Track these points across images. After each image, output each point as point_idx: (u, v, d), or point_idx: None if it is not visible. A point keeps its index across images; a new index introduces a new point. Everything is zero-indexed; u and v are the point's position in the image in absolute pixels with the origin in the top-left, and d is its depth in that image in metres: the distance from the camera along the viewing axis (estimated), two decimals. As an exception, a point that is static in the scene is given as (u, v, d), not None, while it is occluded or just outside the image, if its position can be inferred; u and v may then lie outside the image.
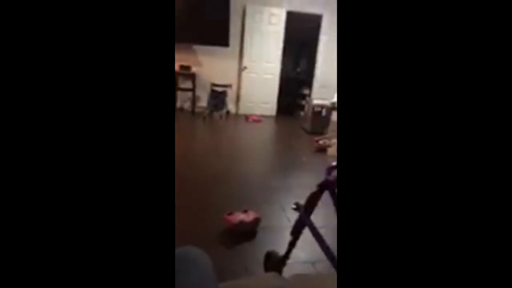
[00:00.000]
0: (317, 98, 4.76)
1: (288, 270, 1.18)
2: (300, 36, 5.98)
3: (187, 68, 4.62)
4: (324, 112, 4.10)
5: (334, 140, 3.24)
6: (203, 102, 4.74)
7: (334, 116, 4.31)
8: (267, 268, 1.21)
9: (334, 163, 1.08)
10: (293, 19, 5.04)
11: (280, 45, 5.05)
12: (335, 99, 4.46)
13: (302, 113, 5.28)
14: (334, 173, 1.00)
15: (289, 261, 1.17)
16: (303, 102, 5.47)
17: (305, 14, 5.06)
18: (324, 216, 1.34)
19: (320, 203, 1.03)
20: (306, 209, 1.05)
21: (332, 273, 0.99)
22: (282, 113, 5.48)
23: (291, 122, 4.98)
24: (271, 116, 5.32)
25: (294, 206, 1.10)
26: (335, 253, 0.94)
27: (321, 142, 3.28)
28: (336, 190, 0.96)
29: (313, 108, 4.12)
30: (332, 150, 3.10)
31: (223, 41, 4.80)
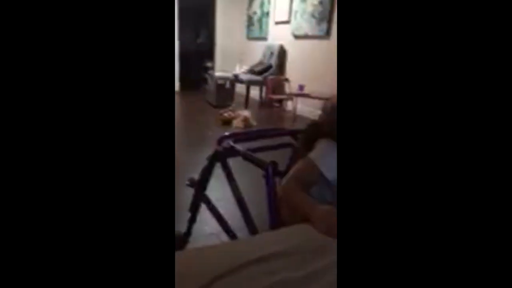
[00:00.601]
0: (220, 71, 4.71)
1: (194, 246, 1.17)
2: (196, 5, 5.69)
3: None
4: (227, 85, 4.10)
5: (239, 112, 3.30)
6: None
7: (237, 88, 4.36)
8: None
9: (226, 133, 1.08)
10: (186, -15, 4.73)
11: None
12: (237, 71, 4.49)
13: (207, 87, 5.18)
14: (225, 143, 1.00)
15: (194, 236, 1.16)
16: (207, 75, 5.35)
17: (198, -20, 4.80)
18: (220, 188, 1.36)
19: (217, 176, 1.03)
20: (200, 184, 1.03)
21: (223, 243, 1.02)
22: (187, 88, 5.27)
23: (196, 97, 4.83)
24: (175, 92, 5.05)
25: (188, 183, 1.07)
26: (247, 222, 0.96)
27: (226, 114, 3.29)
28: (227, 160, 0.97)
29: (216, 81, 4.06)
30: (237, 122, 3.16)
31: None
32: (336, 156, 0.62)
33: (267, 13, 4.66)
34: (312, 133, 0.71)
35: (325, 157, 0.65)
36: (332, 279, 0.42)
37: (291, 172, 0.71)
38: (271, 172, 0.75)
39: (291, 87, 3.95)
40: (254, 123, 3.21)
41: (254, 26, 5.03)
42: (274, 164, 0.76)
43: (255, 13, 4.98)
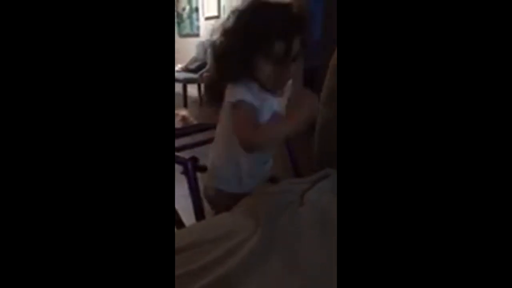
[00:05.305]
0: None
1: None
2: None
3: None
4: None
5: (176, 111, 3.20)
6: None
7: (176, 87, 4.20)
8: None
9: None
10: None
11: None
12: (172, 70, 4.33)
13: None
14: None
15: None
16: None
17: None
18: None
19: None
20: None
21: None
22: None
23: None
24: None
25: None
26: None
27: (163, 116, 3.17)
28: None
29: (150, 82, 3.87)
30: (176, 123, 3.07)
31: None
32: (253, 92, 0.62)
33: (197, 9, 4.57)
34: (215, 84, 0.70)
35: (244, 92, 0.63)
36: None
37: (236, 130, 0.64)
38: (191, 168, 0.75)
39: (228, 82, 3.95)
40: (194, 121, 3.15)
41: (185, 22, 4.91)
42: (193, 159, 0.76)
43: (184, 9, 4.85)
